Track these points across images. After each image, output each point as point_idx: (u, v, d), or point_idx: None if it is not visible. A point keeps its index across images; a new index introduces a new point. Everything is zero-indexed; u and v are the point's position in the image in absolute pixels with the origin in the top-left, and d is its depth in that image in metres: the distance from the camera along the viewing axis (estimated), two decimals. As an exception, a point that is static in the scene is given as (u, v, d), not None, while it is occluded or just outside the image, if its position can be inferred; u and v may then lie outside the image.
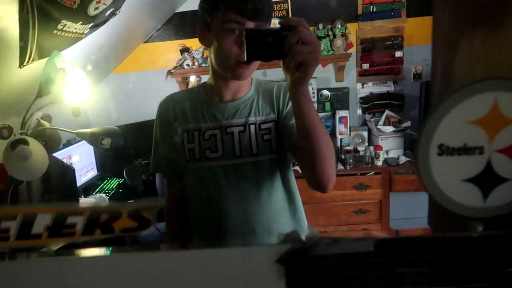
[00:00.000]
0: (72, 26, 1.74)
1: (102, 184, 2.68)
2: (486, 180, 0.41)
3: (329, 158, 0.94)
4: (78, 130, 1.74)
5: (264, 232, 1.09)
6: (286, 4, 3.00)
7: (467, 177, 0.41)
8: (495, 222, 0.43)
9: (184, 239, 1.20)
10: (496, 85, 0.39)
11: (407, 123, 2.86)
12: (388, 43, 2.99)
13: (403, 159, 2.83)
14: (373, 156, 2.81)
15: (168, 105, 1.17)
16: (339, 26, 2.94)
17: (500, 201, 0.41)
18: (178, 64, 3.05)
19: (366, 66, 3.04)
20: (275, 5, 2.98)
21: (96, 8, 1.80)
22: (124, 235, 0.42)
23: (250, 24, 0.96)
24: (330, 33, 2.97)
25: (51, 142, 1.91)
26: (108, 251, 0.43)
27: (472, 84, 0.40)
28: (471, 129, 0.40)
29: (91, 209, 0.42)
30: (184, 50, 3.08)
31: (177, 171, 1.17)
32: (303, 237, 0.43)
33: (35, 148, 1.45)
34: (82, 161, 2.53)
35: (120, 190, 2.57)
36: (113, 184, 2.68)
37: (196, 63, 3.03)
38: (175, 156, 1.14)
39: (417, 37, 3.00)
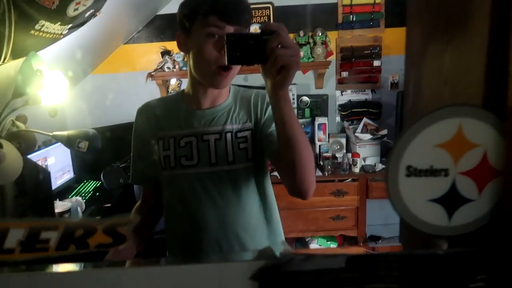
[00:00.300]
0: (50, 27, 1.71)
1: (79, 187, 2.63)
2: (451, 200, 0.43)
3: (309, 165, 0.95)
4: (54, 133, 1.71)
5: (238, 241, 1.09)
6: (268, 10, 3.03)
7: (433, 198, 0.43)
8: (459, 240, 0.45)
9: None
10: (461, 111, 0.41)
11: (384, 131, 2.93)
12: (367, 52, 3.05)
13: (379, 167, 2.89)
14: (351, 163, 2.86)
15: (144, 113, 1.16)
16: (320, 34, 2.99)
17: (464, 220, 0.43)
18: (159, 67, 3.03)
19: (345, 74, 3.10)
20: (257, 11, 3.00)
21: (76, 9, 1.77)
22: (99, 250, 0.42)
23: (230, 29, 0.96)
24: (311, 40, 3.01)
25: (26, 144, 1.87)
26: (82, 266, 0.43)
27: (439, 109, 0.42)
28: (438, 152, 0.42)
29: (66, 224, 0.42)
30: (165, 52, 3.06)
31: (150, 180, 1.17)
32: (277, 252, 0.44)
33: (9, 151, 1.42)
34: (58, 163, 2.48)
35: (97, 194, 2.53)
36: (89, 187, 2.63)
37: (177, 66, 3.01)
38: (149, 165, 1.14)
39: (394, 47, 3.07)
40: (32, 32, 1.63)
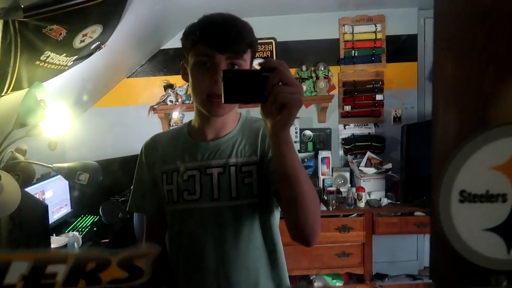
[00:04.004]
0: (55, 58, 1.71)
1: (76, 222, 2.55)
2: (510, 230, 0.38)
3: (312, 211, 0.87)
4: (54, 165, 1.66)
5: (239, 282, 1.01)
6: (271, 45, 3.06)
7: (490, 226, 0.38)
8: (519, 276, 0.40)
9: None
10: (519, 129, 0.37)
11: (389, 165, 2.89)
12: (369, 86, 3.06)
13: (385, 201, 2.83)
14: (356, 197, 2.80)
15: (150, 147, 1.13)
16: (322, 69, 3.01)
17: (525, 253, 0.39)
18: (161, 100, 3.02)
19: (348, 108, 3.10)
20: (259, 46, 3.03)
21: (82, 41, 1.77)
22: (113, 287, 0.37)
23: (221, 57, 0.93)
24: (313, 74, 3.03)
25: (25, 176, 1.82)
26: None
27: (491, 129, 0.38)
28: (494, 175, 0.38)
29: (76, 256, 0.37)
30: (168, 86, 3.07)
31: (156, 214, 1.12)
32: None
33: (8, 182, 1.37)
34: (55, 197, 2.41)
35: (95, 229, 2.45)
36: (87, 222, 2.55)
37: (179, 100, 3.01)
38: (152, 199, 1.10)
39: (396, 82, 3.10)
40: (37, 62, 1.62)
